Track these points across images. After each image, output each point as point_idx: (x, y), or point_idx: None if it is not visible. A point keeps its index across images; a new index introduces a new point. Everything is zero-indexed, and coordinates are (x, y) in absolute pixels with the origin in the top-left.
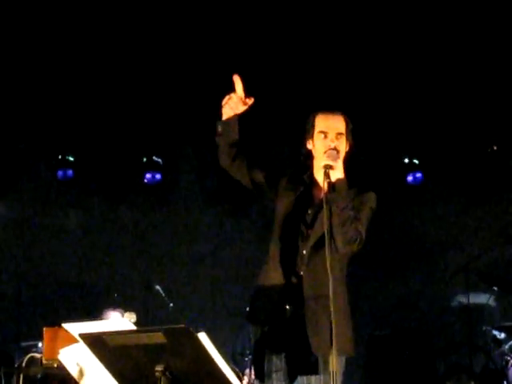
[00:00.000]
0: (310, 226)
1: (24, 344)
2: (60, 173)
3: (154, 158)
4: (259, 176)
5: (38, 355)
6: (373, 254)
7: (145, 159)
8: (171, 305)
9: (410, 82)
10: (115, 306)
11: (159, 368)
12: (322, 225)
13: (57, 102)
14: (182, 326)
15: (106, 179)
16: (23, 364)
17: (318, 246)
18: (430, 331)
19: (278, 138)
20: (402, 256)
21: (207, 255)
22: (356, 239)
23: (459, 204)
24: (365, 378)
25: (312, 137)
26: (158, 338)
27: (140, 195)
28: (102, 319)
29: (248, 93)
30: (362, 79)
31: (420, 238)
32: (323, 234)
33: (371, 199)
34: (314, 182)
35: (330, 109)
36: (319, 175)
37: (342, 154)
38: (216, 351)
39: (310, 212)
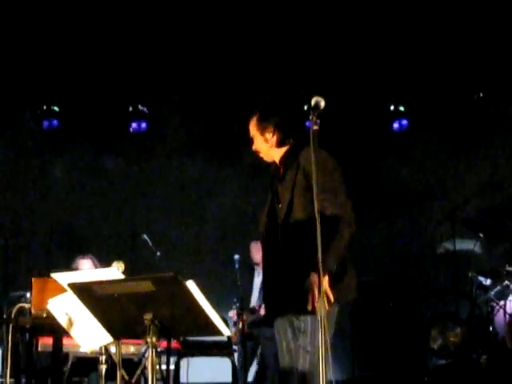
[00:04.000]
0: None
1: (12, 294)
2: (45, 123)
3: (139, 106)
4: None
5: (26, 305)
6: (359, 201)
7: (130, 108)
8: (158, 253)
9: (396, 28)
10: (85, 253)
11: (148, 316)
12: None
13: (42, 52)
14: (170, 273)
15: (92, 129)
16: (12, 315)
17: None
18: (415, 278)
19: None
20: (388, 203)
21: (194, 203)
22: (349, 224)
23: (445, 151)
24: (351, 323)
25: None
26: (147, 286)
27: (126, 144)
28: (72, 268)
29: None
30: (348, 25)
31: (406, 186)
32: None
33: (326, 166)
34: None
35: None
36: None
37: (264, 148)
38: (204, 298)
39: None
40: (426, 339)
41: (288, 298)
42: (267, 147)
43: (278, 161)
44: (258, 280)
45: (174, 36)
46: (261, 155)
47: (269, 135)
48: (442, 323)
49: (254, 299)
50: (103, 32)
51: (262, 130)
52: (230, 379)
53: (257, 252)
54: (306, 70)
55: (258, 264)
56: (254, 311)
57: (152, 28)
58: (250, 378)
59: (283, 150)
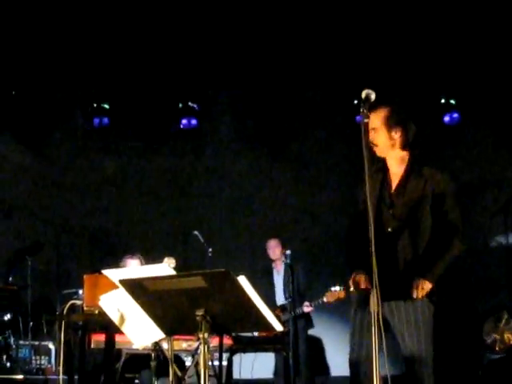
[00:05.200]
0: (391, 205)
1: (65, 292)
2: (96, 120)
3: (189, 103)
4: None
5: (79, 302)
6: None
7: (180, 105)
8: (210, 250)
9: (448, 21)
10: (133, 253)
11: (199, 312)
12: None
13: (92, 50)
14: (222, 269)
15: (142, 126)
16: (64, 311)
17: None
18: (469, 272)
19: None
20: None
21: (245, 199)
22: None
23: (498, 143)
24: None
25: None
26: (198, 282)
27: (176, 141)
28: (120, 267)
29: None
30: (399, 19)
31: (457, 179)
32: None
33: (451, 188)
34: (387, 169)
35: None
36: (389, 165)
37: (386, 144)
38: (256, 294)
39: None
40: (479, 333)
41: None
42: (389, 144)
43: (393, 161)
44: (278, 278)
45: (223, 33)
46: (375, 148)
47: (395, 134)
48: (496, 317)
49: (280, 298)
50: (154, 30)
51: (390, 127)
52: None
53: (273, 249)
54: (357, 64)
55: (274, 261)
56: (283, 310)
57: (202, 24)
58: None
59: (403, 153)
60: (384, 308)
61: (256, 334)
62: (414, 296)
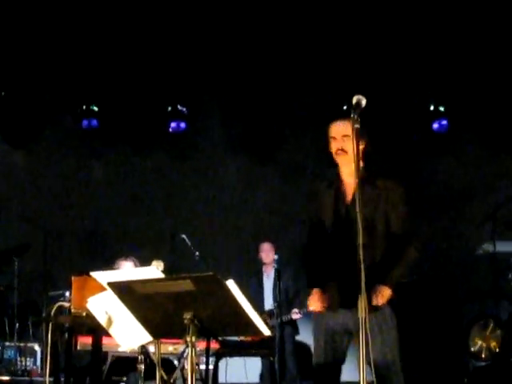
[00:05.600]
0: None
1: (51, 294)
2: (85, 122)
3: (178, 106)
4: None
5: (66, 304)
6: None
7: (169, 108)
8: (197, 253)
9: (436, 28)
10: (127, 255)
11: (187, 315)
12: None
13: (81, 53)
14: (210, 273)
15: (131, 128)
16: (52, 313)
17: None
18: (456, 279)
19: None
20: (428, 204)
21: (233, 203)
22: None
23: (486, 151)
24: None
25: (330, 144)
26: (186, 285)
27: (165, 144)
28: (114, 269)
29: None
30: (388, 25)
31: (446, 186)
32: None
33: (403, 197)
34: (341, 181)
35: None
36: (344, 175)
37: (351, 151)
38: (244, 298)
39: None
40: (465, 341)
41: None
42: (355, 154)
43: (347, 171)
44: (268, 282)
45: (213, 37)
46: (343, 156)
47: (361, 145)
48: (483, 323)
49: (268, 302)
50: (144, 33)
51: (359, 138)
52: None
53: (267, 253)
54: (346, 70)
55: (265, 264)
56: (271, 315)
57: (192, 29)
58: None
59: (359, 165)
60: (354, 316)
61: (242, 338)
62: (374, 303)
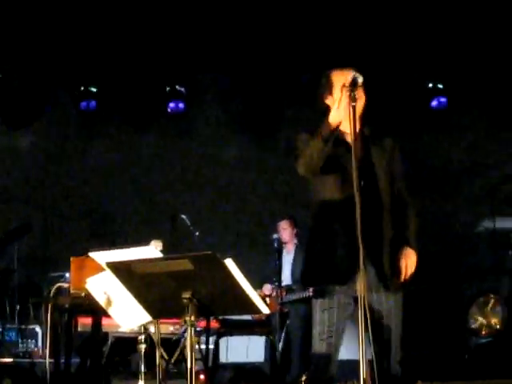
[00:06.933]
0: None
1: (52, 275)
2: (83, 104)
3: (176, 87)
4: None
5: (65, 285)
6: None
7: (168, 88)
8: (197, 233)
9: (433, 6)
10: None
11: (186, 295)
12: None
13: (79, 34)
14: (209, 252)
15: (130, 109)
16: (51, 294)
17: None
18: (455, 256)
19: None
20: (427, 181)
21: (233, 184)
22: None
23: (484, 128)
24: None
25: (331, 93)
26: (185, 264)
27: (164, 124)
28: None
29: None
30: (386, 3)
31: (445, 163)
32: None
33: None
34: (343, 140)
35: (345, 65)
36: (344, 125)
37: (362, 104)
38: (243, 276)
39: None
40: (466, 318)
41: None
42: (352, 133)
43: (348, 130)
44: (287, 258)
45: (211, 16)
46: (360, 104)
47: (363, 102)
48: (483, 302)
49: (286, 278)
50: (141, 13)
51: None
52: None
53: (284, 231)
54: (345, 47)
55: (285, 243)
56: (289, 290)
57: (190, 8)
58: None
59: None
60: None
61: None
62: (402, 277)
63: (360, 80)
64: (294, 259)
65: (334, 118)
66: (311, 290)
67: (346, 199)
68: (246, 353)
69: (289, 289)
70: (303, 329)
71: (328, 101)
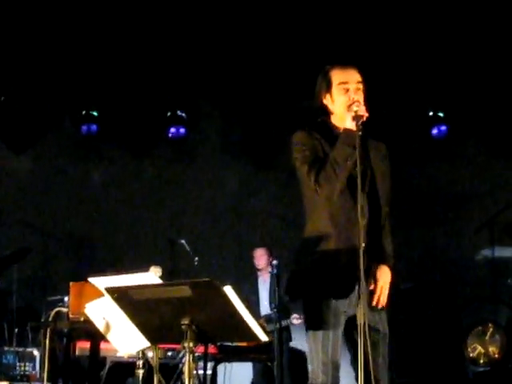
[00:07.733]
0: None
1: (50, 299)
2: (84, 127)
3: (178, 112)
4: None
5: (64, 310)
6: (396, 207)
7: (169, 113)
8: (196, 259)
9: (435, 34)
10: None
11: (185, 321)
12: None
13: (80, 58)
14: (208, 279)
15: (130, 134)
16: (50, 318)
17: None
18: (454, 285)
19: (296, 91)
20: (427, 209)
21: (232, 209)
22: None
23: (485, 157)
24: (389, 331)
25: (330, 91)
26: (184, 291)
27: (164, 149)
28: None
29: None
30: (385, 31)
31: (445, 192)
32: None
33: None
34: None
35: (346, 63)
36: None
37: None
38: (241, 304)
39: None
40: (464, 346)
41: None
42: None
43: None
44: (263, 287)
45: (213, 42)
46: (363, 107)
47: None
48: (481, 330)
49: (264, 308)
50: (144, 38)
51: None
52: None
53: (260, 258)
54: None
55: (260, 269)
56: (268, 320)
57: (192, 33)
58: None
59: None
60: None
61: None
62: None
63: (362, 114)
64: (271, 289)
65: (351, 125)
66: (294, 316)
67: (349, 206)
68: (244, 379)
69: (268, 318)
70: (289, 353)
71: (326, 100)
